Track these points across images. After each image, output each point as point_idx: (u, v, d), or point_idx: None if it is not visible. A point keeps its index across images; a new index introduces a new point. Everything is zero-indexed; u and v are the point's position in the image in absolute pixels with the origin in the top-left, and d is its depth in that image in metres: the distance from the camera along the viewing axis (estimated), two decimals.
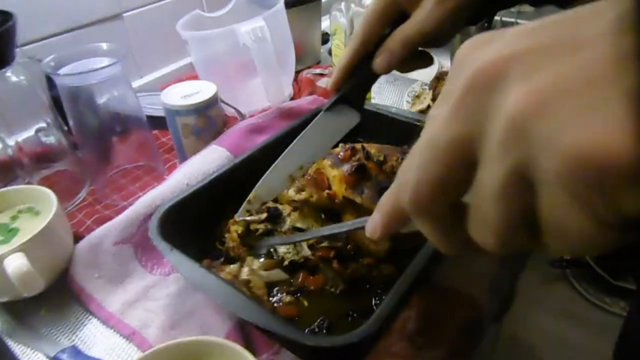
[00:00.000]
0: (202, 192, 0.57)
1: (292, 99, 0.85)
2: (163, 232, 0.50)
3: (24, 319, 0.52)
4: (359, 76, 0.48)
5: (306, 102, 0.79)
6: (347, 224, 0.43)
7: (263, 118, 0.73)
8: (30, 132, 0.66)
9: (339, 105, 0.50)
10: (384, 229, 0.26)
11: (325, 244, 0.53)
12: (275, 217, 0.54)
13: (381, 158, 0.55)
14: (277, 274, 0.53)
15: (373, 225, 0.26)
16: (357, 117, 0.50)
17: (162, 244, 0.48)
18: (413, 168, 0.20)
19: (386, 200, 0.25)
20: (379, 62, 0.45)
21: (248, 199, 0.52)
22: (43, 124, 0.68)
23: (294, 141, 0.51)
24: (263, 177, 0.52)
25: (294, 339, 0.39)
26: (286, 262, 0.52)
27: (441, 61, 0.94)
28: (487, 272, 0.51)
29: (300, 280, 0.51)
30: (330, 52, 1.08)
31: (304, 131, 0.51)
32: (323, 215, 0.57)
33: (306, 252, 0.52)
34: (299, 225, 0.53)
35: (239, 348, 0.38)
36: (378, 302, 0.49)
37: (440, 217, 0.21)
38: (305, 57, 0.98)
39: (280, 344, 0.45)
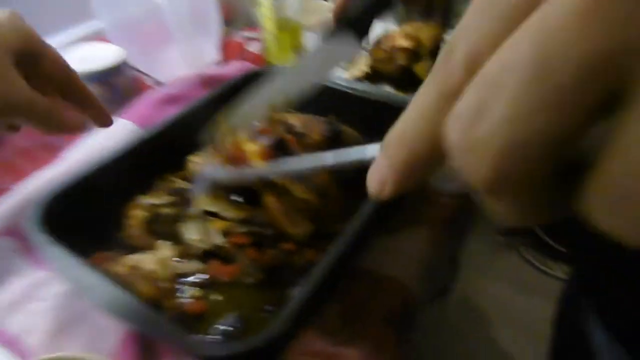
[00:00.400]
0: (100, 173, 0.49)
1: (219, 65, 0.77)
2: (44, 223, 0.42)
3: None
4: (364, 2, 0.45)
5: (233, 68, 0.72)
6: (339, 154, 0.28)
7: (179, 87, 0.65)
8: None
9: (340, 34, 0.45)
10: (398, 183, 0.17)
11: (241, 228, 0.47)
12: (182, 200, 0.47)
13: (302, 130, 0.49)
14: (190, 265, 0.46)
15: (380, 178, 0.17)
16: (358, 47, 0.46)
17: (39, 237, 0.41)
18: (498, 113, 0.12)
19: (394, 137, 0.16)
20: None
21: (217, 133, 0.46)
22: None
23: (285, 68, 0.47)
24: (242, 104, 0.46)
25: (188, 348, 0.33)
26: (196, 251, 0.46)
27: (387, 25, 0.88)
28: (419, 254, 0.46)
29: (211, 270, 0.45)
30: None
31: (297, 60, 0.47)
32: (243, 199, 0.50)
33: (218, 239, 0.46)
34: (210, 208, 0.47)
35: None
36: (297, 292, 0.44)
37: (541, 187, 0.13)
38: (236, 20, 0.89)
39: (178, 351, 0.40)
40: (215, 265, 0.45)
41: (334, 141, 0.48)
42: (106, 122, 0.42)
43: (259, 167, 0.43)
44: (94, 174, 0.49)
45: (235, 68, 0.72)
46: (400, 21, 1.19)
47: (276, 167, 0.39)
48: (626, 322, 0.44)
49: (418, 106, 0.15)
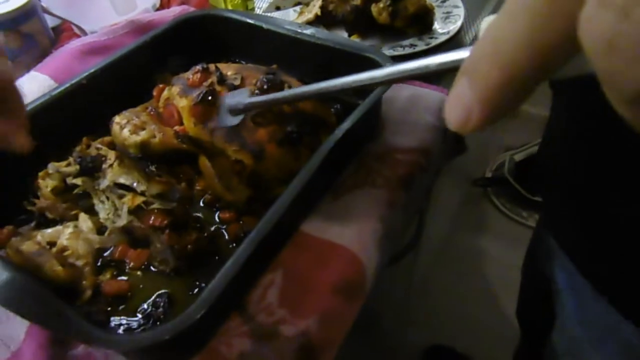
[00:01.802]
0: None
1: (158, 10, 0.69)
2: None
3: None
4: None
5: (171, 14, 0.64)
6: (403, 67, 0.23)
7: (108, 35, 0.57)
8: None
9: None
10: (486, 115, 0.14)
11: (157, 205, 0.39)
12: (91, 169, 0.41)
13: (236, 82, 0.43)
14: (110, 238, 0.41)
15: (465, 107, 0.14)
16: None
17: None
18: None
19: (490, 52, 0.14)
20: None
21: None
22: None
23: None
24: None
25: (97, 341, 0.28)
26: (106, 233, 0.40)
27: None
28: (372, 220, 0.42)
29: (117, 254, 0.39)
30: None
31: None
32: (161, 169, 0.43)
33: (124, 218, 0.39)
34: (122, 180, 0.40)
35: None
36: None
37: None
38: None
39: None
40: (123, 247, 0.40)
41: (272, 91, 0.42)
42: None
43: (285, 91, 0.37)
44: None
45: (175, 13, 0.64)
46: None
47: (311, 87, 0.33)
48: (591, 257, 0.42)
49: (517, 8, 0.12)
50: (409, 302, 1.12)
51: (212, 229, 0.41)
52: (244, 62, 0.56)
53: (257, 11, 0.69)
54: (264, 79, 0.41)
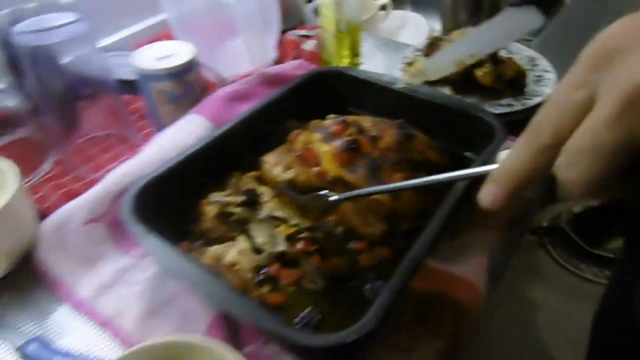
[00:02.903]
0: (179, 168, 0.52)
1: (276, 63, 0.79)
2: (137, 213, 0.45)
3: None
4: None
5: (292, 67, 0.74)
6: (452, 175, 0.36)
7: (246, 84, 0.67)
8: None
9: (526, 5, 0.49)
10: (506, 199, 0.28)
11: (305, 234, 0.48)
12: (252, 202, 0.49)
13: (375, 133, 0.51)
14: (266, 257, 0.49)
15: (493, 197, 0.28)
16: (541, 20, 0.49)
17: (137, 228, 0.44)
18: (580, 169, 0.23)
19: (507, 172, 0.27)
20: None
21: (417, 69, 0.50)
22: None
23: (472, 32, 0.52)
24: (432, 57, 0.52)
25: (282, 336, 0.36)
26: (263, 255, 0.48)
27: (432, 24, 0.89)
28: (487, 256, 0.48)
29: (272, 272, 0.46)
30: (315, 12, 1.01)
31: (485, 24, 0.52)
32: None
33: (282, 245, 0.48)
34: (277, 214, 0.49)
35: (220, 348, 0.35)
36: (370, 288, 0.46)
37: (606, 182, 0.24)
38: (288, 17, 0.91)
39: (266, 339, 0.42)
40: (276, 266, 0.47)
41: (405, 144, 0.50)
42: None
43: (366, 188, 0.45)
44: (176, 168, 0.51)
45: (294, 66, 0.74)
46: (446, 21, 1.20)
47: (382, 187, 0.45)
48: None
49: (524, 153, 0.26)
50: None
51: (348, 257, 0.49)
52: (360, 114, 0.65)
53: (363, 67, 0.79)
54: (401, 132, 0.49)
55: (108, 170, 0.60)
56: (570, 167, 0.24)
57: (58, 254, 0.49)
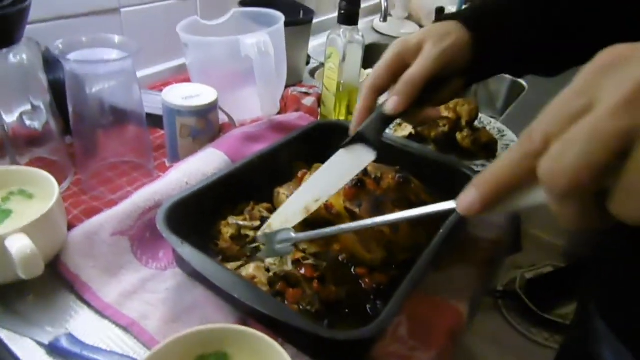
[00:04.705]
0: (203, 192, 0.58)
1: (279, 113, 0.88)
2: (168, 227, 0.51)
3: (9, 305, 0.50)
4: (373, 118, 0.54)
5: (294, 117, 0.83)
6: (421, 210, 0.42)
7: (257, 127, 0.75)
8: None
9: (356, 143, 0.54)
10: (483, 205, 0.28)
11: (310, 261, 0.55)
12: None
13: (378, 175, 0.59)
14: (275, 277, 0.55)
15: (470, 201, 0.29)
16: (373, 154, 0.54)
17: (172, 237, 0.49)
18: (571, 155, 0.23)
19: (487, 177, 0.28)
20: (388, 104, 0.52)
21: (264, 227, 0.53)
22: (28, 107, 0.66)
23: (312, 175, 0.55)
24: (279, 209, 0.54)
25: (312, 332, 0.42)
26: (270, 273, 0.54)
27: None
28: (469, 288, 0.56)
29: (279, 288, 0.52)
30: (311, 74, 1.13)
31: (322, 166, 0.55)
32: None
33: (289, 266, 0.54)
34: None
35: (260, 335, 0.40)
36: (370, 307, 0.53)
37: (588, 198, 0.24)
38: (290, 76, 1.01)
39: (284, 340, 0.47)
40: (282, 284, 0.52)
41: (403, 186, 0.59)
42: None
43: (350, 223, 0.49)
44: (200, 193, 0.58)
45: (296, 117, 0.83)
46: None
47: (366, 221, 0.47)
48: None
49: (508, 159, 0.27)
50: None
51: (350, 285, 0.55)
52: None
53: None
54: (400, 176, 0.58)
55: (126, 192, 0.66)
56: (563, 154, 0.23)
57: (86, 261, 0.53)
